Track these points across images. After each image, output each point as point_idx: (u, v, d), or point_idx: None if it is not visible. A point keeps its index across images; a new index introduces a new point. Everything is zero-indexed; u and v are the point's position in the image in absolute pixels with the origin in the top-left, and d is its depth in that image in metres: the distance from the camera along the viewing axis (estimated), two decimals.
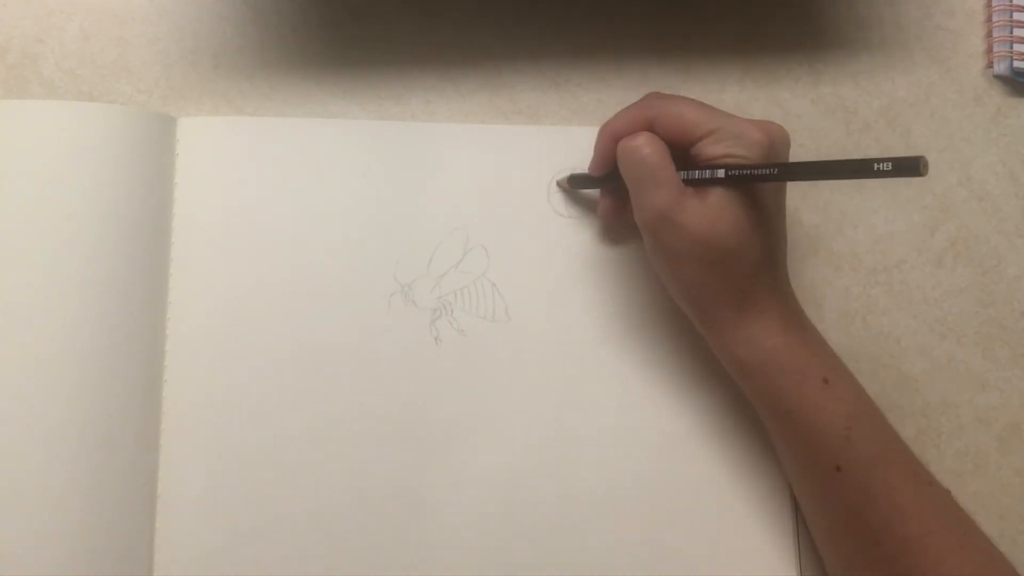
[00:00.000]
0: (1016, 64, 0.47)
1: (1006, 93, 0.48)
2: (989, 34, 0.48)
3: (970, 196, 0.47)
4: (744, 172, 0.37)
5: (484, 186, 0.45)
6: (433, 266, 0.44)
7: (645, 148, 0.38)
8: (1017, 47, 0.47)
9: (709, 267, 0.38)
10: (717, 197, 0.37)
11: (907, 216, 0.47)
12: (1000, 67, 0.48)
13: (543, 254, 0.45)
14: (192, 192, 0.43)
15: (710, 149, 0.38)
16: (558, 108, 0.47)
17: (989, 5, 0.49)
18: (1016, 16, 0.48)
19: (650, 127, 0.39)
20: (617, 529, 0.42)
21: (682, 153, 0.39)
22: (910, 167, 0.32)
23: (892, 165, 0.33)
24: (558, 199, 0.45)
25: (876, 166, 0.33)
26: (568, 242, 0.45)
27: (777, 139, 0.38)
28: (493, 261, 0.44)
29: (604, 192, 0.44)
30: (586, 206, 0.45)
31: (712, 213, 0.37)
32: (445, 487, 0.42)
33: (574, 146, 0.45)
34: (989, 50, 0.48)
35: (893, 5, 0.49)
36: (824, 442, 0.38)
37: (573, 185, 0.45)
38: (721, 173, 0.37)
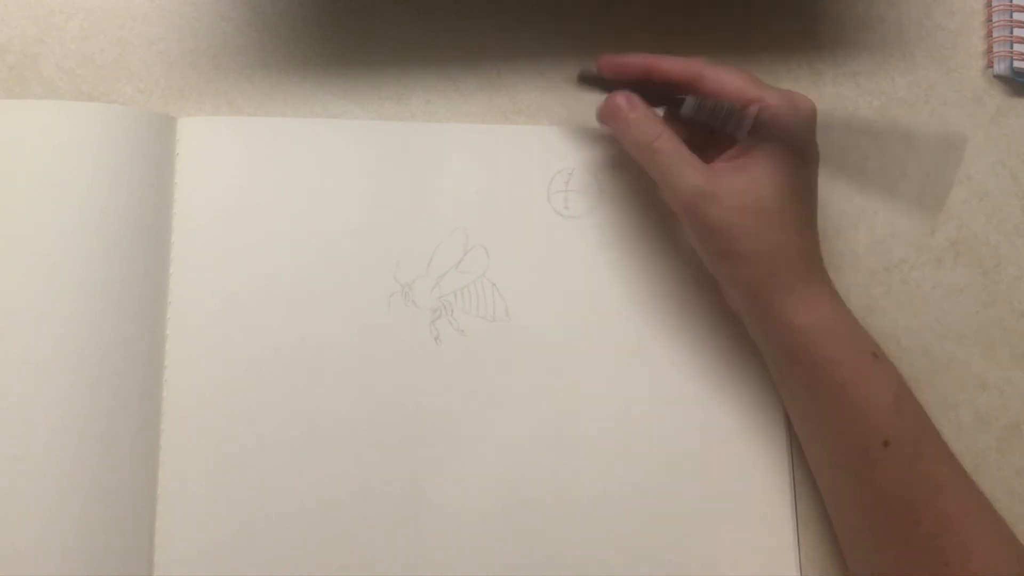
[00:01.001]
0: (1016, 64, 0.47)
1: (1006, 93, 0.48)
2: (989, 34, 0.48)
3: (970, 196, 0.47)
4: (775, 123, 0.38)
5: (484, 186, 0.45)
6: (433, 266, 0.44)
7: (661, 139, 0.39)
8: (1017, 47, 0.47)
9: (758, 233, 0.38)
10: (755, 164, 0.38)
11: (907, 216, 0.47)
12: (1000, 67, 0.48)
13: (543, 254, 0.45)
14: (192, 192, 0.43)
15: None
16: (558, 108, 0.47)
17: (989, 5, 0.49)
18: (1016, 16, 0.48)
19: (697, 80, 0.40)
20: (617, 529, 0.42)
21: (700, 139, 0.40)
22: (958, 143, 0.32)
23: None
24: (558, 199, 0.45)
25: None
26: (568, 242, 0.45)
27: (815, 117, 0.40)
28: (493, 261, 0.44)
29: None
30: (586, 206, 0.45)
31: (753, 180, 0.38)
32: (445, 486, 0.42)
33: (574, 146, 0.46)
34: (989, 50, 0.48)
35: (893, 5, 0.49)
36: (875, 416, 0.37)
37: (581, 81, 0.43)
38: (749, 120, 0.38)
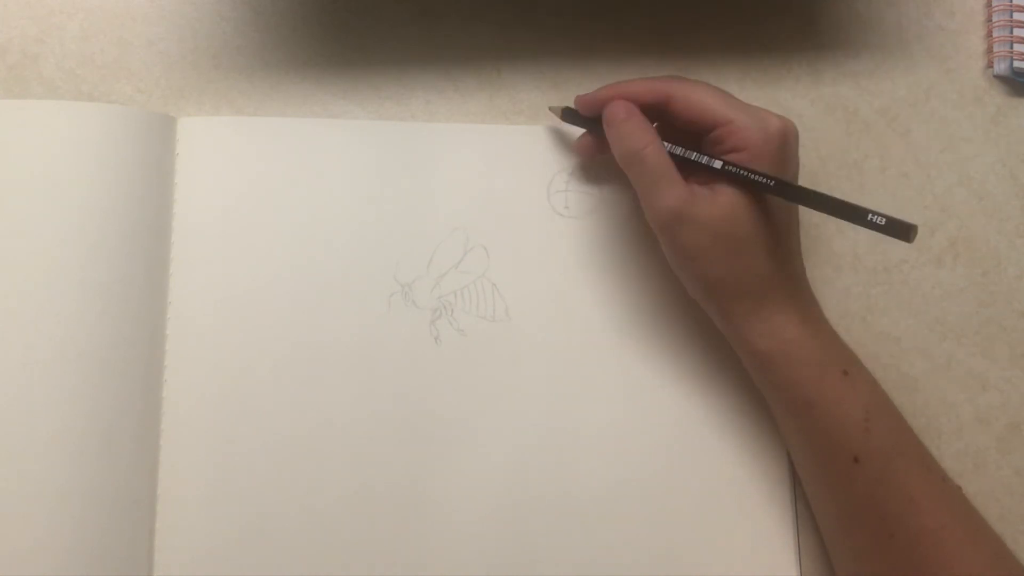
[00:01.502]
0: (1016, 64, 0.47)
1: (1006, 93, 0.48)
2: (989, 34, 0.48)
3: (970, 196, 0.47)
4: (741, 172, 0.37)
5: (484, 186, 0.45)
6: (433, 266, 0.44)
7: (648, 149, 0.39)
8: (1017, 47, 0.47)
9: (727, 260, 0.38)
10: (729, 190, 0.38)
11: (907, 216, 0.46)
12: (1000, 67, 0.48)
13: (543, 254, 0.45)
14: (192, 192, 0.43)
15: (725, 140, 0.39)
16: None
17: (989, 5, 0.49)
18: (1016, 16, 0.48)
19: (666, 103, 0.40)
20: (617, 529, 0.42)
21: (693, 139, 0.40)
22: (902, 230, 0.34)
23: (885, 222, 0.35)
24: (558, 199, 0.45)
25: (870, 217, 0.35)
26: (568, 242, 0.45)
27: (791, 137, 0.39)
28: (493, 261, 0.44)
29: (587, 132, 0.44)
30: (586, 206, 0.45)
31: (727, 205, 0.38)
32: (446, 486, 0.42)
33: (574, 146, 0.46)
34: (989, 50, 0.48)
35: (893, 5, 0.49)
36: (843, 433, 0.38)
37: (565, 117, 0.44)
38: (718, 164, 0.38)
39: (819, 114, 0.47)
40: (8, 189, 0.41)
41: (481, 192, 0.45)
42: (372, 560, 0.41)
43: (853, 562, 0.39)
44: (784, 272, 0.39)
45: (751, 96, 0.47)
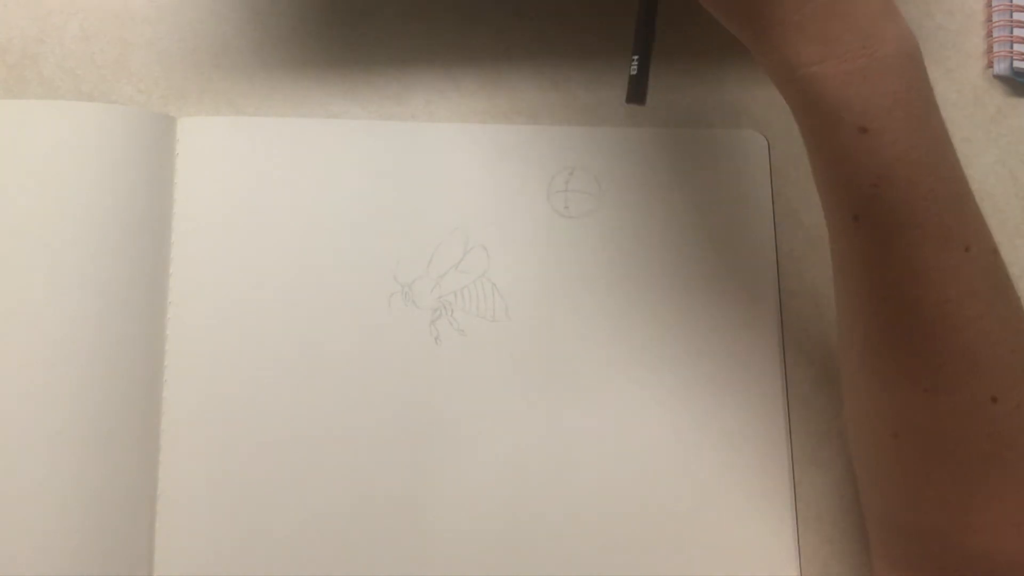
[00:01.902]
0: (1016, 64, 0.47)
1: (1006, 93, 0.48)
2: (989, 34, 0.48)
3: None
4: None
5: (484, 186, 0.45)
6: (433, 266, 0.44)
7: None
8: (1017, 47, 0.47)
9: None
10: None
11: None
12: (1000, 67, 0.48)
13: (543, 254, 0.45)
14: (192, 192, 0.43)
15: None
16: (558, 108, 0.47)
17: (989, 5, 0.49)
18: (1016, 16, 0.48)
19: None
20: (617, 529, 0.42)
21: None
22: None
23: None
24: (558, 199, 0.45)
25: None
26: (568, 242, 0.45)
27: None
28: (493, 261, 0.44)
29: None
30: (586, 206, 0.45)
31: None
32: (445, 487, 0.42)
33: (574, 146, 0.46)
34: (989, 50, 0.48)
35: None
36: (847, 192, 0.34)
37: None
38: None
39: None
40: (8, 189, 0.41)
41: (481, 192, 0.45)
42: (371, 560, 0.41)
43: (850, 333, 0.36)
44: None
45: (751, 96, 0.47)
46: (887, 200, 0.33)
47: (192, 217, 0.43)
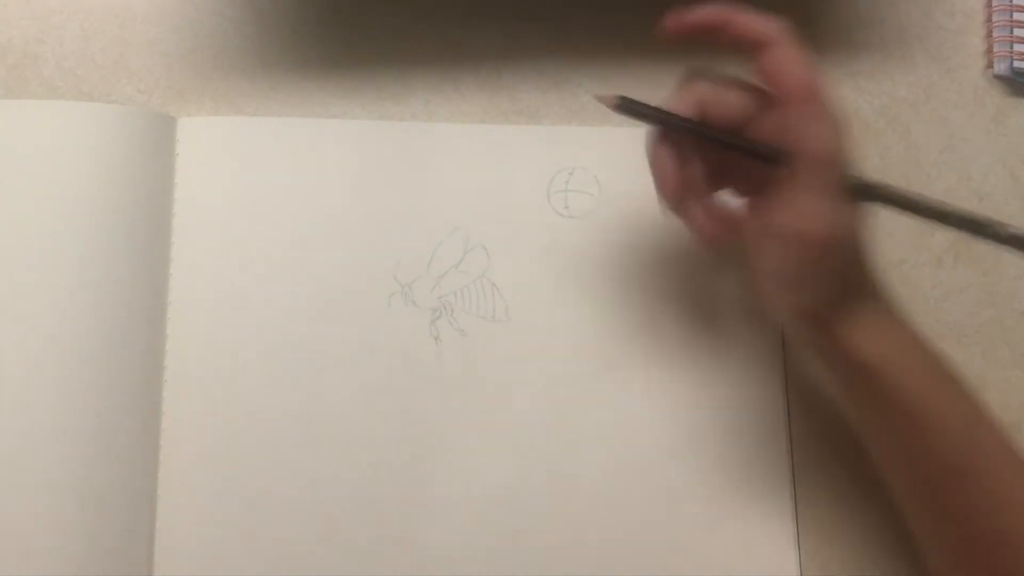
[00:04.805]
0: (1016, 64, 0.47)
1: (1006, 93, 0.48)
2: (989, 34, 0.48)
3: (970, 196, 0.47)
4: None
5: (484, 186, 0.45)
6: (433, 266, 0.44)
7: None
8: (1017, 47, 0.47)
9: (823, 263, 0.35)
10: (810, 194, 0.35)
11: (907, 216, 0.47)
12: (1000, 67, 0.48)
13: (543, 254, 0.45)
14: (192, 192, 0.43)
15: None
16: (558, 108, 0.47)
17: (989, 5, 0.49)
18: (1016, 16, 0.48)
19: (756, 53, 0.36)
20: (617, 529, 0.42)
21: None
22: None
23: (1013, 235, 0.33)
24: (558, 199, 0.45)
25: (997, 229, 0.34)
26: (568, 242, 0.45)
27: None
28: (493, 261, 0.44)
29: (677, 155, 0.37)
30: (586, 206, 0.45)
31: (813, 207, 0.34)
32: (445, 486, 0.42)
33: (574, 146, 0.46)
34: (989, 50, 0.48)
35: (893, 5, 0.49)
36: (945, 441, 0.36)
37: (624, 109, 0.38)
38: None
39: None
40: (8, 189, 0.41)
41: (481, 192, 0.45)
42: (372, 560, 0.41)
43: (957, 571, 0.37)
44: (874, 273, 0.37)
45: None
46: (981, 440, 0.36)
47: (192, 217, 0.43)
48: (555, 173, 0.45)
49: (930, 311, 0.46)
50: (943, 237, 0.46)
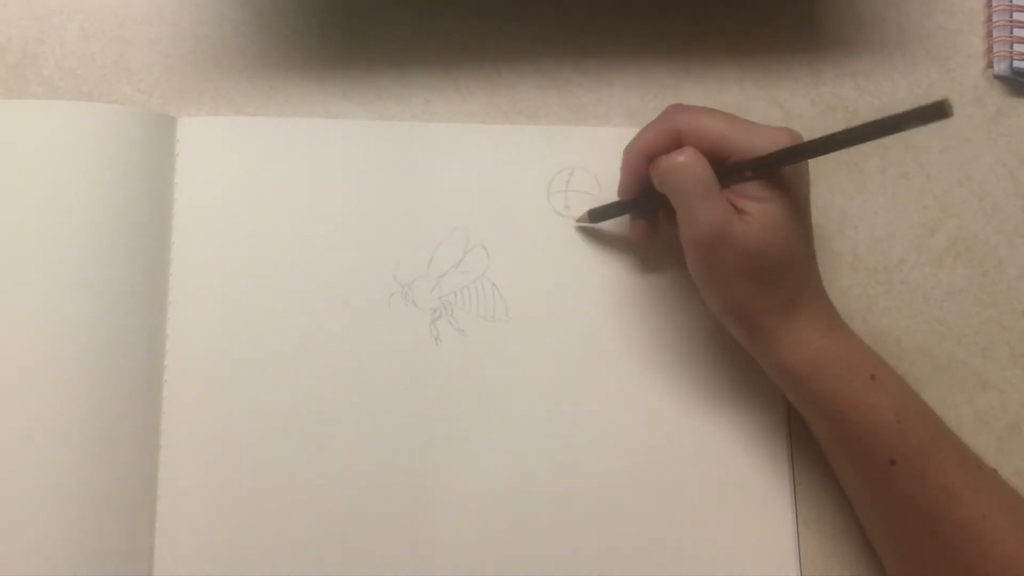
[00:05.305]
0: (1016, 64, 0.47)
1: (1006, 93, 0.48)
2: (989, 34, 0.48)
3: (970, 196, 0.47)
4: (783, 155, 0.37)
5: (484, 186, 0.45)
6: (433, 266, 0.44)
7: (696, 164, 0.37)
8: (1017, 47, 0.47)
9: (760, 280, 0.38)
10: (759, 211, 0.37)
11: (907, 216, 0.47)
12: (1000, 67, 0.48)
13: (543, 254, 0.45)
14: (192, 192, 0.43)
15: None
16: (558, 108, 0.47)
17: (989, 5, 0.49)
18: (1016, 16, 0.48)
19: (677, 141, 0.39)
20: (617, 529, 0.42)
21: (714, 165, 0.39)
22: (937, 112, 0.33)
23: (919, 114, 0.33)
24: (558, 199, 0.45)
25: (905, 120, 0.33)
26: (568, 242, 0.45)
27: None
28: (493, 261, 0.44)
29: (634, 213, 0.43)
30: (586, 206, 0.45)
31: (759, 226, 0.37)
32: (446, 486, 0.42)
33: (574, 146, 0.46)
34: (989, 50, 0.48)
35: (893, 5, 0.49)
36: (877, 438, 0.38)
37: (595, 219, 0.44)
38: (749, 173, 0.38)
39: (819, 114, 0.47)
40: (8, 189, 0.41)
41: (481, 192, 0.45)
42: (372, 560, 0.41)
43: (900, 560, 0.39)
44: (811, 285, 0.39)
45: (751, 96, 0.47)
46: (912, 432, 0.37)
47: (192, 217, 0.43)
48: (555, 173, 0.45)
49: (930, 311, 0.46)
50: (943, 237, 0.46)
